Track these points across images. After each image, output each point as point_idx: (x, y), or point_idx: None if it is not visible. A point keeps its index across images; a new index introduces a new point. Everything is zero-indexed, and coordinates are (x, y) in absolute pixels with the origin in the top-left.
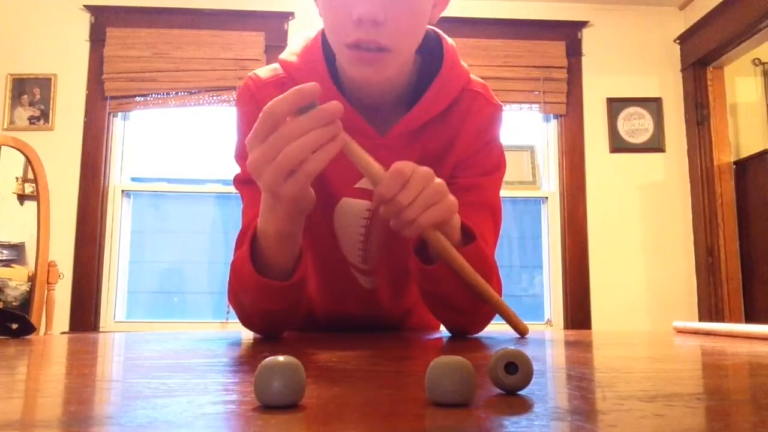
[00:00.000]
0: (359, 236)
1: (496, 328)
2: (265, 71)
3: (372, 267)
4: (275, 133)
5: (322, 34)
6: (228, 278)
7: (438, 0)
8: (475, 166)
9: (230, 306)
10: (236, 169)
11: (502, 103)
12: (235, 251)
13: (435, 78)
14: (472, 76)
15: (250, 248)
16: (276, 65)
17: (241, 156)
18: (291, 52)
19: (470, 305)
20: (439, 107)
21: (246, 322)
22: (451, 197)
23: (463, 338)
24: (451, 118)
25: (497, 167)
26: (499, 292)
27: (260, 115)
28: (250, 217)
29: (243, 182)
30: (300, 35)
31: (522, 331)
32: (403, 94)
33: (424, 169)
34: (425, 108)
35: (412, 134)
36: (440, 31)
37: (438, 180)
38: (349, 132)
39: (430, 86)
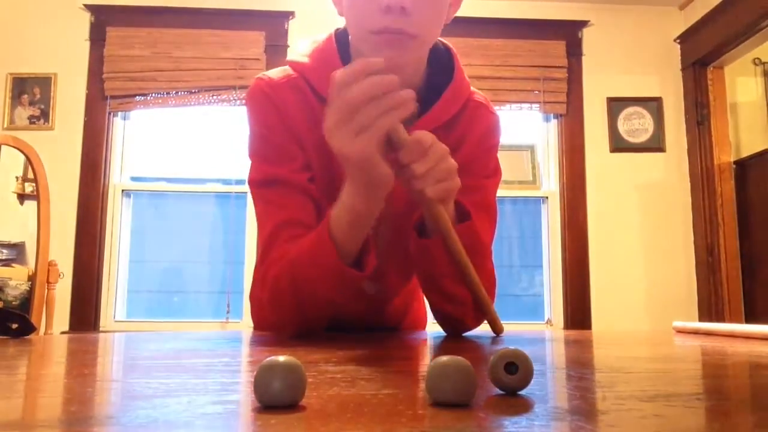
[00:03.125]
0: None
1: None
2: (275, 73)
3: (378, 272)
4: (347, 96)
5: (335, 35)
6: (266, 281)
7: (453, 0)
8: (477, 170)
9: (271, 309)
10: (246, 169)
11: (502, 102)
12: (263, 258)
13: (446, 87)
14: (472, 88)
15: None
16: (285, 67)
17: (258, 155)
18: (301, 54)
19: (464, 294)
20: (448, 116)
21: (298, 318)
22: (458, 179)
23: (463, 338)
24: (456, 126)
25: (495, 171)
26: (492, 287)
27: (332, 87)
28: (278, 221)
29: (260, 184)
30: (306, 39)
31: (497, 330)
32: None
33: (442, 145)
34: (436, 115)
35: None
36: (448, 43)
37: (451, 160)
38: None
39: (443, 94)
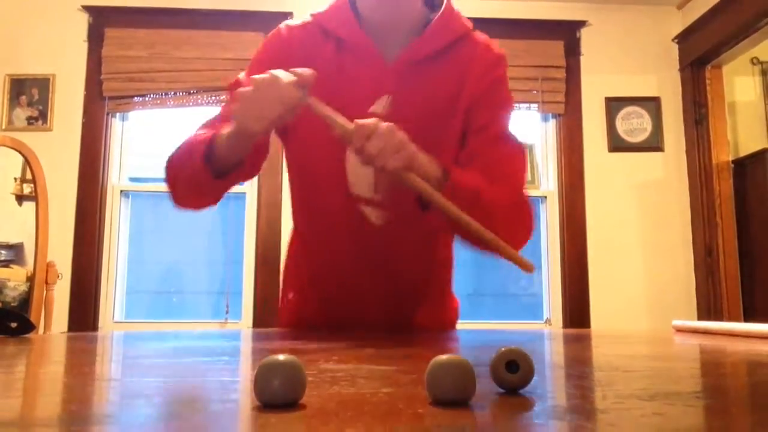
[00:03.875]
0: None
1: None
2: (294, 21)
3: (383, 198)
4: (254, 89)
5: None
6: (179, 147)
7: None
8: (487, 104)
9: (166, 170)
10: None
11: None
12: (198, 129)
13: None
14: (478, 33)
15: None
16: (306, 16)
17: (247, 71)
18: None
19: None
20: (441, 42)
21: (175, 191)
22: (412, 147)
23: (463, 338)
24: (457, 60)
25: (506, 102)
26: (522, 219)
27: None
28: (224, 114)
29: (233, 86)
30: None
31: (526, 267)
32: (411, 32)
33: (386, 124)
34: (427, 39)
35: (419, 65)
36: None
37: (400, 133)
38: (362, 58)
39: (430, 25)
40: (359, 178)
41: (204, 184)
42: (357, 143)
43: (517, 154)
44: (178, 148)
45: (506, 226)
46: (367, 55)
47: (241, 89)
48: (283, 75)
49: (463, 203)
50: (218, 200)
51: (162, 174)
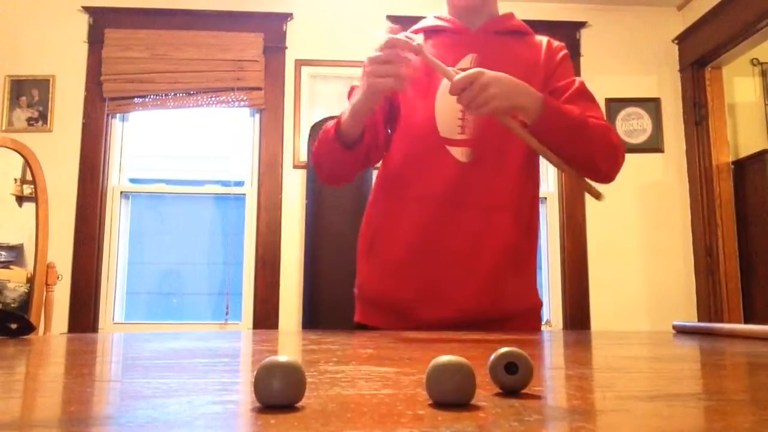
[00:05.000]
0: (457, 105)
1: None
2: None
3: (470, 136)
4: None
5: None
6: (317, 140)
7: None
8: (564, 74)
9: (313, 153)
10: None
11: None
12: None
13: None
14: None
15: (338, 121)
16: None
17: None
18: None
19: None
20: (514, 24)
21: (323, 170)
22: (498, 102)
23: (463, 338)
24: (529, 43)
25: (575, 76)
26: (605, 142)
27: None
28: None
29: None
30: None
31: (595, 195)
32: (489, 16)
33: (483, 80)
34: (504, 18)
35: (499, 35)
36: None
37: (492, 89)
38: (449, 30)
39: (503, 14)
40: (446, 121)
41: (337, 155)
42: (453, 92)
43: (596, 105)
44: (319, 137)
45: (601, 146)
46: (453, 27)
47: (371, 56)
48: (401, 43)
49: (563, 125)
50: (358, 168)
51: (312, 156)
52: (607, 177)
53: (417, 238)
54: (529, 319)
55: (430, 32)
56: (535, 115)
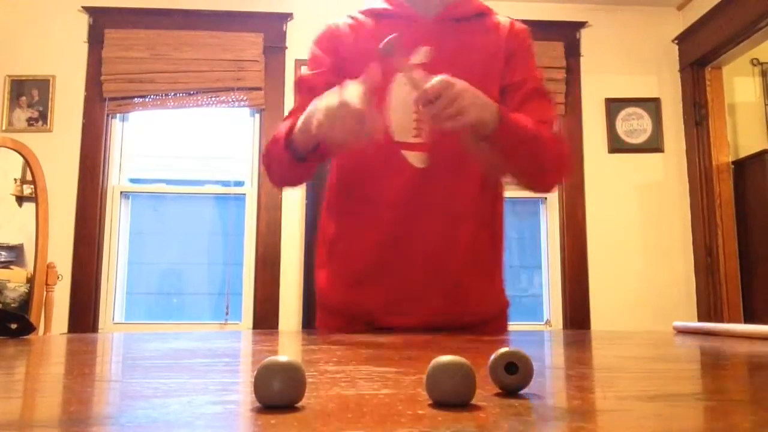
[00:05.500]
0: (413, 107)
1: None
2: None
3: (426, 140)
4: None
5: None
6: (270, 139)
7: None
8: (521, 63)
9: (262, 157)
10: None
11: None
12: (283, 121)
13: None
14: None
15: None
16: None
17: (307, 66)
18: None
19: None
20: (472, 9)
21: (273, 176)
22: (468, 116)
23: (463, 338)
24: (489, 27)
25: (535, 68)
26: (557, 152)
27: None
28: (295, 108)
29: (297, 83)
30: None
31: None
32: (444, 3)
33: (452, 91)
34: (460, 4)
35: (455, 23)
36: None
37: (469, 88)
38: (401, 18)
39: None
40: (401, 123)
41: (286, 165)
42: (420, 102)
43: (548, 107)
44: (270, 140)
45: (552, 160)
46: (405, 15)
47: (326, 107)
48: (355, 98)
49: (517, 139)
50: (308, 178)
51: (262, 157)
52: (551, 189)
53: (378, 247)
54: (498, 320)
55: (378, 16)
56: (491, 128)
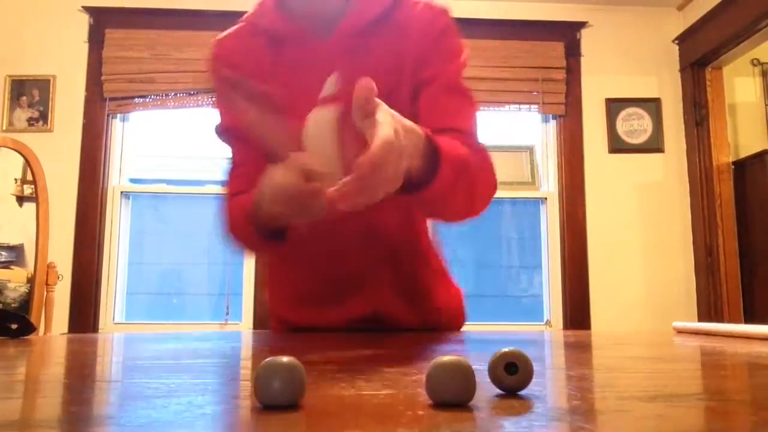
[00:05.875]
0: (335, 144)
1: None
2: (225, 32)
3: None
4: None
5: None
6: (222, 212)
7: None
8: (433, 58)
9: (222, 230)
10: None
11: (501, 104)
12: (228, 185)
13: None
14: None
15: (252, 207)
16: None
17: (218, 107)
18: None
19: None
20: (373, 11)
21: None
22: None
23: (464, 338)
24: (396, 24)
25: (456, 54)
26: (486, 180)
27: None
28: (235, 161)
29: (221, 132)
30: None
31: None
32: (344, 6)
33: (389, 153)
34: (361, 9)
35: (358, 38)
36: None
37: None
38: (299, 46)
39: None
40: (320, 159)
41: (256, 244)
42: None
43: (467, 106)
44: (225, 219)
45: (481, 190)
46: (303, 41)
47: (273, 191)
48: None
49: (450, 183)
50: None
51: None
52: (476, 217)
53: (312, 271)
54: (454, 315)
55: (272, 40)
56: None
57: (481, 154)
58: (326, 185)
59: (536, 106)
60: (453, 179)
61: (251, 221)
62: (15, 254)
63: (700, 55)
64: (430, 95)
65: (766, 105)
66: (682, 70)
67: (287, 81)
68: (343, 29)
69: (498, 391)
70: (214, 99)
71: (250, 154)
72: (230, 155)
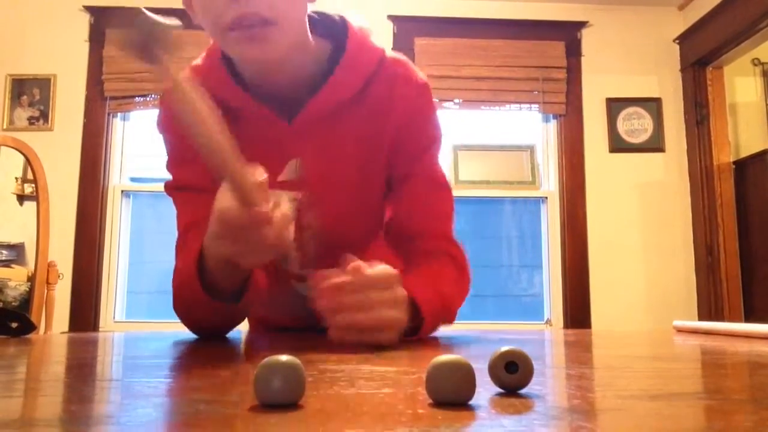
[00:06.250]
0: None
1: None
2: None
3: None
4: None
5: None
6: (172, 284)
7: None
8: (412, 147)
9: (174, 310)
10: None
11: (502, 103)
12: (177, 256)
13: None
14: (390, 53)
15: (197, 266)
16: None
17: (171, 163)
18: (200, 57)
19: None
20: (350, 90)
21: (191, 327)
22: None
23: (464, 338)
24: (373, 102)
25: (433, 140)
26: (464, 287)
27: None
28: (185, 223)
29: (170, 188)
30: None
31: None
32: (314, 82)
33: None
34: (332, 91)
35: (328, 120)
36: (347, 16)
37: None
38: (256, 123)
39: (337, 67)
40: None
41: (222, 312)
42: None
43: (444, 199)
44: (175, 289)
45: (459, 303)
46: (261, 119)
47: (226, 227)
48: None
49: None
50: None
51: (175, 312)
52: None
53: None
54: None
55: (230, 112)
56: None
57: (458, 261)
58: (272, 210)
59: (537, 106)
60: (435, 325)
61: (197, 275)
62: (15, 253)
63: (700, 55)
64: (411, 190)
65: (766, 104)
66: (683, 69)
67: (243, 153)
68: (310, 111)
69: (498, 390)
70: (165, 156)
71: (204, 200)
72: (183, 215)
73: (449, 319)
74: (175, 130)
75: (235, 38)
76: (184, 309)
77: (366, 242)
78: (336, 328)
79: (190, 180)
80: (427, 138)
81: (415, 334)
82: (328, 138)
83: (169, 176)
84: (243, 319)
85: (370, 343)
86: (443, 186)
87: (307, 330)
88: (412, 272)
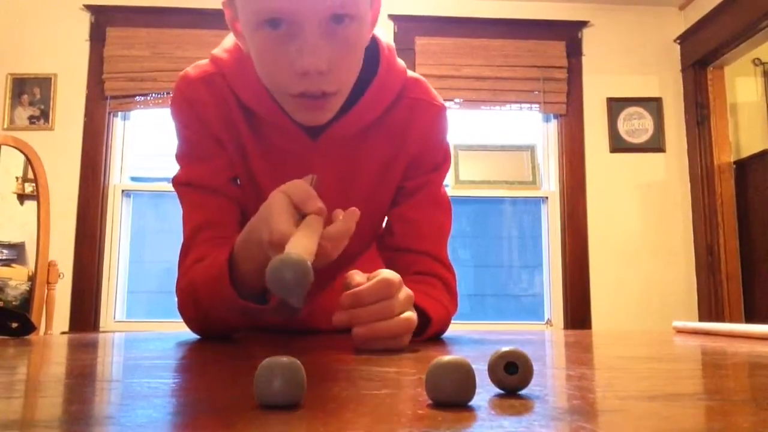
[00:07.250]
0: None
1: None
2: (195, 68)
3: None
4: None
5: None
6: (179, 283)
7: (373, 16)
8: (423, 166)
9: (181, 314)
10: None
11: (502, 103)
12: (183, 259)
13: (372, 81)
14: (410, 73)
15: (229, 269)
16: (207, 60)
17: (179, 154)
18: (223, 48)
19: None
20: (376, 111)
21: (201, 330)
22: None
23: (464, 338)
24: (393, 123)
25: (444, 160)
26: (453, 307)
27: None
28: (196, 223)
29: (181, 184)
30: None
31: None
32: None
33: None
34: (361, 112)
35: (351, 139)
36: (375, 33)
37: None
38: (281, 133)
39: (368, 90)
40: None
41: (251, 317)
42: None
43: (443, 221)
44: (191, 286)
45: (448, 322)
46: (286, 130)
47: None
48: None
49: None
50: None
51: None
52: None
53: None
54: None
55: (252, 118)
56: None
57: (450, 287)
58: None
59: (537, 106)
60: (440, 327)
61: (229, 283)
62: (16, 252)
63: (701, 55)
64: (414, 208)
65: (767, 105)
66: (684, 69)
67: (268, 163)
68: (334, 134)
69: (498, 390)
70: (180, 146)
71: (227, 210)
72: (192, 214)
73: (441, 331)
74: (192, 122)
75: (298, 105)
76: (201, 307)
77: (362, 253)
78: (360, 339)
79: (203, 179)
80: (437, 159)
81: (420, 334)
82: (350, 157)
83: (177, 168)
84: (259, 321)
85: (393, 348)
86: (446, 208)
87: (307, 332)
88: (409, 286)
